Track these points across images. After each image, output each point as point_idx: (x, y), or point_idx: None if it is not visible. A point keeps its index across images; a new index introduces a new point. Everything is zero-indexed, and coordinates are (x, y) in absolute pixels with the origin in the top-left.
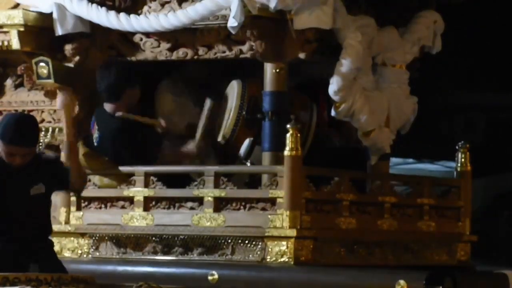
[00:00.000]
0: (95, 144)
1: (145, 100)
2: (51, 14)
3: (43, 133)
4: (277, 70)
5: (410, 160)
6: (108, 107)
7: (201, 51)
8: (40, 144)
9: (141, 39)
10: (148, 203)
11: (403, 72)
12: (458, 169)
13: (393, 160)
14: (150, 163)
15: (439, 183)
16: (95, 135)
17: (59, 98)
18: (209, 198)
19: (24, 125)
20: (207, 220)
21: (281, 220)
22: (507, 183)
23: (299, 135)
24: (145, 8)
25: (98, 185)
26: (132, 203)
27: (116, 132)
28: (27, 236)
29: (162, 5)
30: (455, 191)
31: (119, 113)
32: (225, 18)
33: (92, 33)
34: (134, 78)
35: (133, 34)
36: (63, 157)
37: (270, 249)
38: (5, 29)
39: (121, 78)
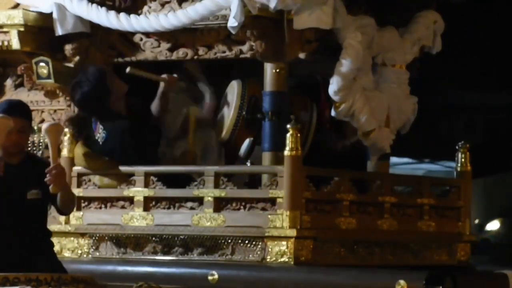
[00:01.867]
0: (100, 143)
1: (145, 99)
2: (51, 14)
3: (43, 133)
4: (277, 70)
5: (410, 160)
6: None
7: (201, 51)
8: (40, 144)
9: (141, 39)
10: (148, 203)
11: (403, 72)
12: (458, 169)
13: (393, 160)
14: (155, 162)
15: (439, 183)
16: (101, 135)
17: (45, 124)
18: (209, 198)
19: (15, 101)
20: (207, 220)
21: (281, 220)
22: None
23: (299, 135)
24: (145, 8)
25: (98, 185)
26: (132, 203)
27: (123, 132)
28: (25, 239)
29: (162, 5)
30: (455, 191)
31: (128, 70)
32: (225, 18)
33: (92, 33)
34: (99, 96)
35: (133, 34)
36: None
37: (270, 249)
38: (5, 29)
39: (86, 96)
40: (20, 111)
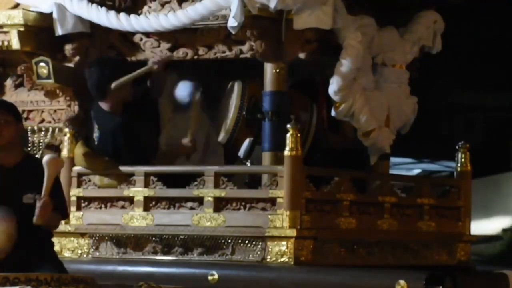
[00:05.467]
0: (96, 143)
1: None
2: (51, 14)
3: (43, 133)
4: (277, 70)
5: (410, 160)
6: (103, 105)
7: (201, 51)
8: (40, 144)
9: (141, 39)
10: (148, 203)
11: (403, 72)
12: (458, 169)
13: (393, 160)
14: (150, 158)
15: (439, 183)
16: (95, 134)
17: (46, 156)
18: (209, 198)
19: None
20: (207, 220)
21: (281, 220)
22: None
23: (299, 135)
24: (145, 8)
25: (98, 185)
26: (132, 203)
27: (115, 130)
28: (23, 241)
29: (162, 5)
30: (455, 191)
31: (112, 85)
32: (225, 18)
33: (92, 33)
34: (115, 77)
35: (133, 34)
36: None
37: (270, 249)
38: (5, 29)
39: (102, 77)
40: (4, 104)
